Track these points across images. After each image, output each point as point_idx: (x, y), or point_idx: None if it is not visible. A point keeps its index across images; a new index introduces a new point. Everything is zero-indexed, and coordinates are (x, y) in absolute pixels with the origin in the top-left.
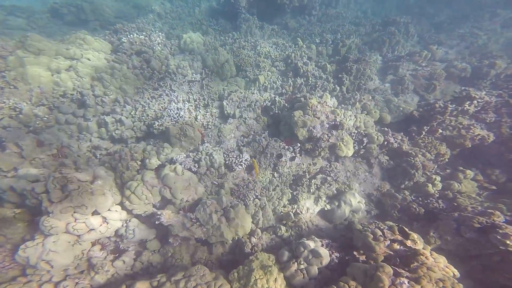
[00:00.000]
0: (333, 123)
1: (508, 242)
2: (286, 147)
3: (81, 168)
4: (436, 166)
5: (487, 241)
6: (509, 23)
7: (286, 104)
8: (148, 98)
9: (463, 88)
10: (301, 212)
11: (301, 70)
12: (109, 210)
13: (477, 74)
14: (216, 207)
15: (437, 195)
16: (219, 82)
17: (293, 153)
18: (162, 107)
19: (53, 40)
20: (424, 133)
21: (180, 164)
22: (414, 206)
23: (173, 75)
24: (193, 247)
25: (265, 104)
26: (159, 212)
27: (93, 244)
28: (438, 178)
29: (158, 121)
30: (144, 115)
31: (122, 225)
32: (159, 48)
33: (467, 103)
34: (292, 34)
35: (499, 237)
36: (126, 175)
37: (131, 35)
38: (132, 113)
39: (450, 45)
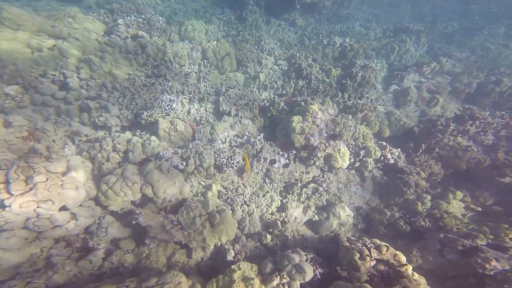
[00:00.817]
0: (332, 132)
1: (487, 266)
2: (281, 152)
3: (52, 157)
4: (428, 185)
5: (466, 264)
6: None
7: (285, 107)
8: (139, 86)
9: (467, 106)
10: (289, 221)
11: (305, 71)
12: (80, 205)
13: (482, 90)
14: (200, 211)
15: (425, 214)
16: (217, 76)
17: (287, 160)
18: (153, 96)
19: (37, 15)
20: (421, 151)
21: (166, 160)
22: (401, 223)
23: (169, 63)
24: (171, 249)
25: (263, 103)
26: (137, 211)
27: (57, 241)
28: (429, 197)
29: (147, 111)
30: (133, 103)
31: (94, 222)
32: (157, 33)
33: (469, 122)
34: (299, 32)
35: (479, 261)
36: (105, 167)
37: (129, 17)
38: (119, 100)
39: (459, 58)
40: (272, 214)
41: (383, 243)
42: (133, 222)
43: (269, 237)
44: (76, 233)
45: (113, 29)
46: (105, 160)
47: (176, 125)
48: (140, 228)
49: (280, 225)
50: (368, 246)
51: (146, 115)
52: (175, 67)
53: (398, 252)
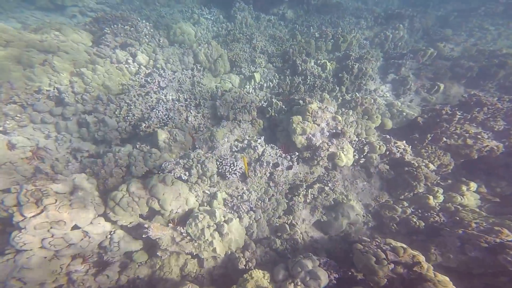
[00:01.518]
0: (334, 131)
1: None
2: (283, 155)
3: (58, 178)
4: (438, 177)
5: (494, 261)
6: None
7: (284, 107)
8: (134, 96)
9: (472, 92)
10: (297, 224)
11: (300, 68)
12: (91, 223)
13: (485, 74)
14: (208, 221)
15: (438, 208)
16: (211, 79)
17: (290, 162)
18: (149, 106)
19: (23, 30)
20: (427, 141)
21: (169, 172)
22: (414, 220)
23: (161, 70)
24: (183, 259)
25: (260, 104)
26: (146, 225)
27: (73, 258)
28: (440, 191)
29: (145, 123)
30: (130, 114)
31: (106, 237)
32: (146, 40)
33: (477, 109)
34: (289, 26)
35: (509, 258)
36: (110, 182)
37: (115, 25)
38: (116, 112)
39: (456, 41)
40: (279, 217)
41: (399, 244)
42: (143, 236)
43: (278, 241)
44: (90, 249)
45: (101, 39)
46: (108, 175)
47: (175, 135)
48: (152, 240)
49: (288, 228)
50: (384, 248)
51: (145, 126)
52: (168, 74)
53: (416, 252)
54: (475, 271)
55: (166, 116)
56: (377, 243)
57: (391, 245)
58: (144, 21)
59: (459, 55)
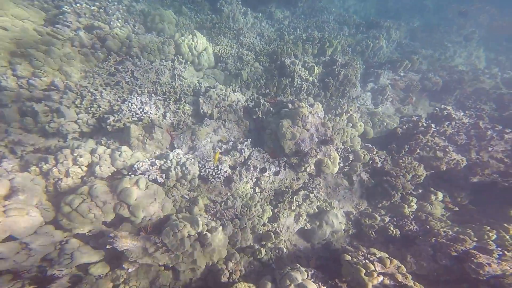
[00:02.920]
0: (323, 137)
1: (481, 271)
2: (271, 160)
3: None
4: (413, 187)
5: (459, 269)
6: (470, 37)
7: (271, 109)
8: (101, 85)
9: (442, 106)
10: (281, 231)
11: (288, 69)
12: (34, 232)
13: (446, 88)
14: (189, 230)
15: (412, 217)
16: (194, 73)
17: (277, 168)
18: (119, 97)
19: None
20: (404, 152)
21: (143, 174)
22: (391, 228)
23: (136, 59)
24: (154, 271)
25: (247, 104)
26: (111, 234)
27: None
28: (414, 200)
29: (114, 116)
30: (95, 105)
31: (55, 248)
32: (118, 24)
33: (446, 123)
34: (275, 25)
35: (473, 266)
36: (65, 184)
37: (78, 4)
38: (76, 102)
39: (424, 55)
40: (263, 225)
41: (385, 255)
42: (107, 247)
43: (263, 251)
44: (30, 264)
45: (58, 18)
46: (63, 175)
47: (151, 132)
48: (116, 250)
49: (274, 237)
50: (371, 259)
51: (113, 120)
52: (144, 63)
53: (400, 264)
54: (442, 278)
55: (141, 110)
56: (363, 254)
57: (377, 256)
58: (115, 3)
59: (425, 68)
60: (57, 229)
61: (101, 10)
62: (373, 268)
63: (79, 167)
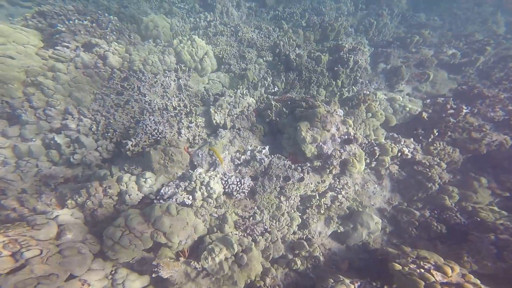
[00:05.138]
0: (345, 137)
1: None
2: (293, 166)
3: (36, 221)
4: (451, 176)
5: None
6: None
7: (284, 109)
8: (112, 107)
9: (470, 83)
10: (313, 237)
11: (294, 63)
12: (89, 269)
13: (465, 60)
14: (226, 253)
15: (456, 209)
16: (198, 79)
17: (301, 173)
18: (131, 117)
19: None
20: (433, 136)
21: (170, 198)
22: (434, 224)
23: (140, 74)
24: None
25: (257, 106)
26: (155, 263)
27: None
28: (456, 190)
29: (131, 140)
30: (110, 130)
31: (106, 277)
32: (113, 37)
33: (479, 101)
34: (271, 13)
35: None
36: (100, 213)
37: (70, 22)
38: (93, 128)
39: (433, 26)
40: (294, 233)
41: (440, 260)
42: (153, 276)
43: (299, 262)
44: None
45: (56, 39)
46: (97, 206)
47: (171, 155)
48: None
49: (307, 246)
50: (426, 267)
51: (132, 145)
52: (148, 77)
53: (465, 271)
54: None
55: (156, 131)
56: (412, 259)
57: (431, 262)
58: (106, 14)
59: (437, 40)
60: (104, 260)
61: (94, 24)
62: (433, 279)
63: (110, 197)
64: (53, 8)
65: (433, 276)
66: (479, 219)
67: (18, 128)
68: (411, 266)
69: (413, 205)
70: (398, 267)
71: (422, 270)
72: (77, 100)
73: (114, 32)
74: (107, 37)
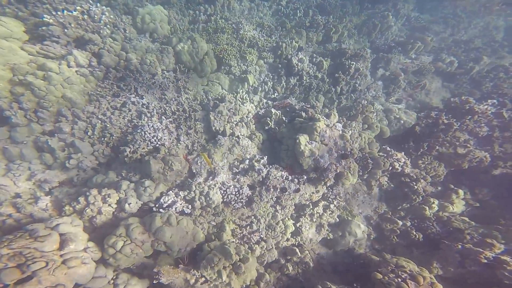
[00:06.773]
0: (342, 152)
1: None
2: (290, 177)
3: (39, 232)
4: (434, 189)
5: (491, 275)
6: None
7: (283, 118)
8: (108, 109)
9: (463, 97)
10: (304, 243)
11: (296, 68)
12: (93, 277)
13: (461, 68)
14: (224, 263)
15: (433, 219)
16: (197, 81)
17: (297, 185)
18: (128, 121)
19: None
20: (422, 150)
21: (170, 207)
22: (413, 233)
23: (136, 74)
24: None
25: (256, 111)
26: (156, 270)
27: None
28: (436, 202)
29: (129, 147)
30: (107, 134)
31: (108, 283)
32: (107, 31)
33: (468, 117)
34: (273, 7)
35: (506, 274)
36: (99, 220)
37: (59, 12)
38: (89, 132)
39: (436, 31)
40: (287, 240)
41: (415, 268)
42: (154, 282)
43: (290, 267)
44: None
45: (42, 32)
46: (96, 213)
47: (171, 164)
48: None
49: (298, 252)
50: (403, 276)
51: (130, 152)
52: (146, 78)
53: (434, 280)
54: (469, 281)
55: (155, 138)
56: (392, 268)
57: (407, 271)
58: (97, 3)
59: (437, 45)
60: (106, 266)
61: (85, 16)
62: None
63: (109, 205)
64: None
65: (408, 285)
66: (451, 228)
67: (6, 129)
68: (390, 276)
69: (397, 213)
70: (379, 276)
71: (400, 280)
72: (71, 101)
73: (108, 25)
74: (101, 32)
